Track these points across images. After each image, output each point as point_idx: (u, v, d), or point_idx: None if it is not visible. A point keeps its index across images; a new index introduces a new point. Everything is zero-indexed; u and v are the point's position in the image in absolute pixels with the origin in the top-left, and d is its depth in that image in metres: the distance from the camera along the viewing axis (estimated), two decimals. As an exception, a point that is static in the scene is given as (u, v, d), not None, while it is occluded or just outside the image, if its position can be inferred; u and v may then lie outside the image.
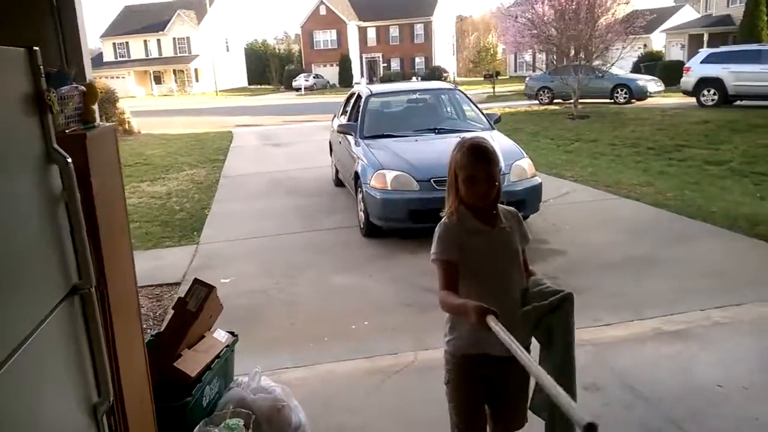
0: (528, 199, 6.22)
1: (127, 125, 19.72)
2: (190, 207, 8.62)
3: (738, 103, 18.14)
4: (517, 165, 6.34)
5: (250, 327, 4.22)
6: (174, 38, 58.45)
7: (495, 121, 7.69)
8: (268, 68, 64.10)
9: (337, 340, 4.23)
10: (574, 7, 18.28)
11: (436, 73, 50.16)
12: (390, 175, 6.18)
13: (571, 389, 2.13)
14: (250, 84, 65.56)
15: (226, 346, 3.16)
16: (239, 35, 65.48)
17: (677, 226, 6.62)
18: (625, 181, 9.02)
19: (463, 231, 2.12)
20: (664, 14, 37.01)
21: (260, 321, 4.59)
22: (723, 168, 10.21)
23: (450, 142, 7.17)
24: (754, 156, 10.89)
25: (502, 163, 6.18)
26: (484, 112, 8.02)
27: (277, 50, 71.53)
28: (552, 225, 6.77)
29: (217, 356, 3.04)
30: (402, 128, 7.37)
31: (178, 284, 5.42)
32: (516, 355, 1.78)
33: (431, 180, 5.94)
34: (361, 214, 6.61)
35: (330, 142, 9.84)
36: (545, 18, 19.26)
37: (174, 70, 57.63)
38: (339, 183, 9.04)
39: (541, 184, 6.47)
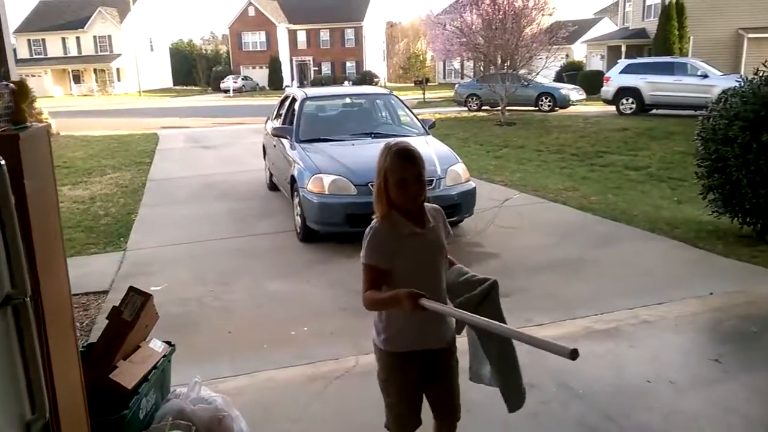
0: (463, 203, 6.34)
1: (44, 126, 18.67)
2: (116, 212, 8.27)
3: (654, 111, 19.18)
4: (452, 170, 6.44)
5: (185, 336, 4.08)
6: (95, 36, 56.01)
7: (430, 127, 7.79)
8: (194, 69, 62.49)
9: (276, 347, 4.15)
10: (500, 17, 18.76)
11: (367, 78, 50.35)
12: (327, 179, 6.14)
13: (516, 370, 2.33)
14: (175, 85, 63.72)
15: (163, 356, 3.04)
16: (164, 34, 63.48)
17: (603, 229, 6.90)
18: (552, 186, 9.34)
19: (397, 236, 2.16)
20: (584, 26, 38.67)
21: (195, 329, 4.45)
22: (642, 173, 10.76)
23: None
24: (671, 162, 11.54)
25: (438, 168, 6.33)
26: (419, 117, 8.11)
27: (204, 51, 69.89)
28: (524, 222, 7.16)
29: (154, 367, 2.93)
30: (338, 132, 7.35)
31: (105, 292, 5.18)
32: (466, 320, 2.05)
33: (369, 184, 5.93)
34: (298, 218, 6.54)
35: (263, 145, 9.68)
36: (473, 27, 19.67)
37: (95, 70, 55.18)
38: (273, 187, 8.91)
39: (475, 188, 6.60)
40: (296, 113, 7.55)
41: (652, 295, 4.81)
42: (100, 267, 5.95)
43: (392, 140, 2.26)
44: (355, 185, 6.05)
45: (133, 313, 2.82)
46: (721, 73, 18.95)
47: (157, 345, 3.09)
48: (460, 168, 6.60)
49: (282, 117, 8.43)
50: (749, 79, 6.16)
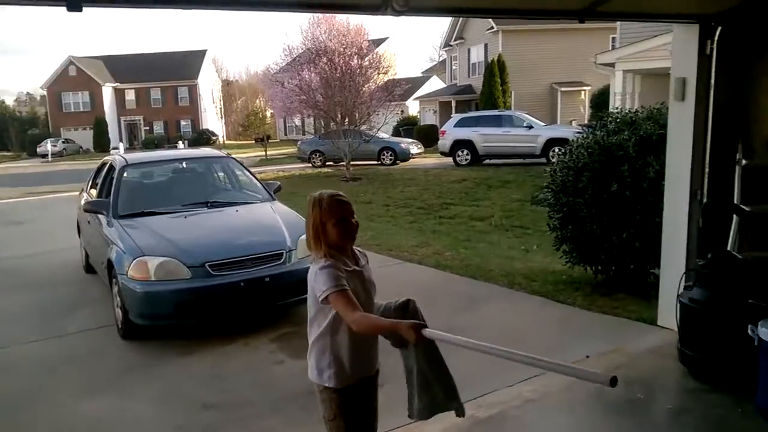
0: (318, 277, 5.63)
1: None
2: None
3: (487, 161, 20.14)
4: (304, 240, 5.73)
5: None
6: None
7: (275, 191, 7.05)
8: (6, 133, 56.42)
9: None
10: (338, 75, 18.87)
11: (204, 137, 48.66)
12: (153, 262, 5.11)
13: (446, 371, 2.51)
14: (-17, 151, 56.93)
15: None
16: (-33, 95, 56.88)
17: (464, 289, 6.60)
18: (405, 243, 9.04)
19: (343, 270, 2.35)
20: (416, 83, 40.60)
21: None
22: (486, 223, 10.89)
23: (227, 215, 6.27)
24: (511, 210, 11.84)
25: (288, 239, 5.61)
26: (263, 181, 7.37)
27: (19, 113, 63.62)
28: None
29: None
30: (167, 203, 6.32)
31: None
32: (478, 349, 2.22)
33: (206, 264, 5.07)
34: (118, 311, 5.39)
35: (78, 221, 8.29)
36: (312, 85, 19.58)
37: None
38: (90, 269, 7.53)
39: (330, 257, 5.93)
40: (114, 183, 6.42)
41: (522, 365, 4.40)
42: None
43: (315, 193, 2.45)
44: (188, 267, 5.09)
45: None
46: (544, 124, 20.50)
47: None
48: (312, 236, 5.92)
49: (99, 187, 7.22)
50: (592, 130, 6.25)
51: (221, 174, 7.47)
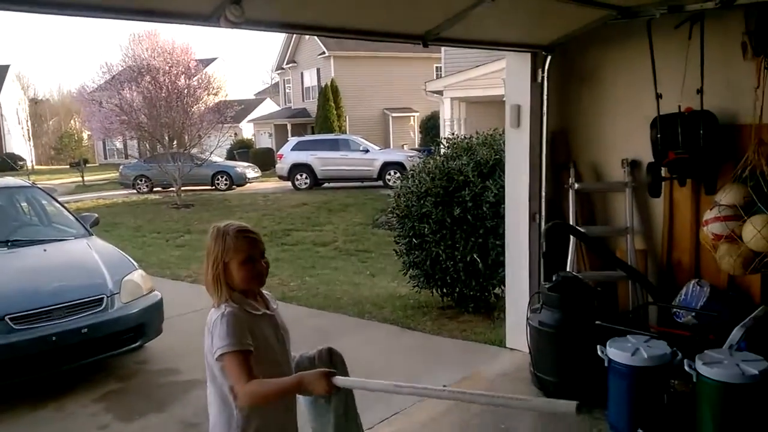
0: (148, 322, 4.99)
1: None
2: None
3: (326, 185, 20.11)
4: (128, 281, 5.05)
5: None
6: None
7: (92, 225, 6.21)
8: None
9: None
10: (164, 95, 17.79)
11: (9, 162, 43.43)
12: (-67, 318, 4.19)
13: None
14: None
15: None
16: None
17: (315, 322, 6.30)
18: (247, 275, 8.53)
19: (251, 316, 2.05)
20: (250, 105, 39.73)
21: None
22: (331, 248, 10.73)
23: (32, 256, 5.36)
24: (354, 234, 11.80)
25: (108, 281, 4.90)
26: (79, 211, 6.47)
27: None
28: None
29: None
30: (-45, 244, 5.31)
31: None
32: (403, 393, 2.06)
33: (6, 317, 4.26)
34: None
35: None
36: (134, 104, 18.24)
37: None
38: None
39: (161, 300, 5.27)
40: None
41: (386, 402, 4.20)
42: None
43: (219, 224, 2.11)
44: (-19, 322, 4.25)
45: None
46: (379, 148, 21.00)
47: None
48: (139, 276, 5.23)
49: None
50: (430, 155, 6.31)
51: (26, 207, 6.46)
